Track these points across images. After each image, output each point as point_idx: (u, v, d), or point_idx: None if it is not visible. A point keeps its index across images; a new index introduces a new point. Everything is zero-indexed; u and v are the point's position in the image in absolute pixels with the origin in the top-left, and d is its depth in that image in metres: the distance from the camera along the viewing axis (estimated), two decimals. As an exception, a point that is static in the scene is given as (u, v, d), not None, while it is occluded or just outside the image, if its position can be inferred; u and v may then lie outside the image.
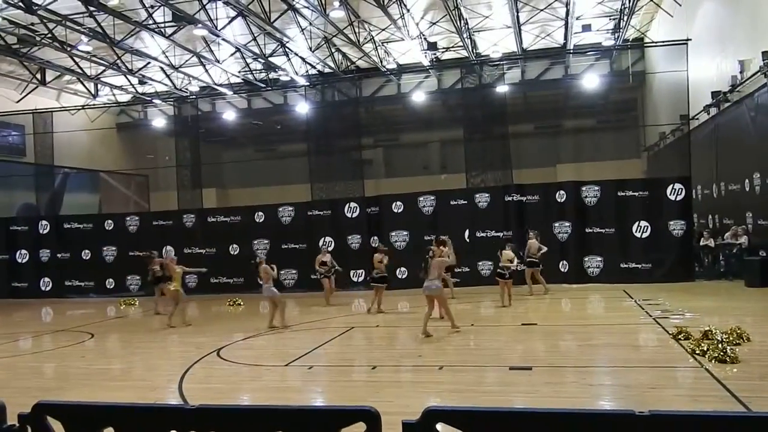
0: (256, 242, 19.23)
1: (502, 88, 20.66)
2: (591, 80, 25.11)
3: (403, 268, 17.17)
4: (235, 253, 19.36)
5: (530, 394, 6.94)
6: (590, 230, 17.19)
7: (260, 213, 19.50)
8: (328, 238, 18.56)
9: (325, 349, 10.18)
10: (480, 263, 17.30)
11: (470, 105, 20.79)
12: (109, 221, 20.78)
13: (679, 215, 16.64)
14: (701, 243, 17.35)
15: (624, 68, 26.52)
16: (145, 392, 7.75)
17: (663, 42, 20.91)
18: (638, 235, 16.80)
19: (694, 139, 18.21)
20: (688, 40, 17.59)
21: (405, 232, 18.30)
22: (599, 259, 17.13)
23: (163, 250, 17.66)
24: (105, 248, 20.38)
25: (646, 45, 24.94)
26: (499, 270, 13.95)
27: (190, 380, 8.19)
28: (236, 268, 18.42)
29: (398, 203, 18.53)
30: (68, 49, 21.73)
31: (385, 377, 8.14)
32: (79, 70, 24.94)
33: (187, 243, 19.75)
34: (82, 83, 27.49)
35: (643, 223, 16.75)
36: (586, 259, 17.20)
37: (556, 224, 17.31)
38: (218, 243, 19.49)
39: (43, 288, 20.70)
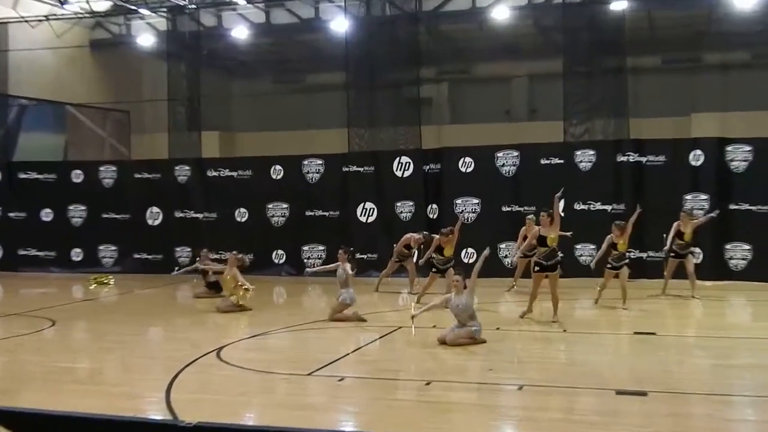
0: (270, 206, 19.44)
1: (618, 4, 20.21)
2: (746, -3, 24.34)
3: (470, 249, 17.09)
4: (243, 219, 19.55)
5: (645, 427, 6.94)
6: (736, 207, 16.87)
7: (278, 167, 19.62)
8: (369, 204, 18.60)
9: (362, 354, 10.29)
10: (579, 246, 17.08)
11: (573, 27, 20.45)
12: (78, 171, 21.22)
13: None
14: None
15: (796, -20, 25.58)
16: (121, 401, 7.93)
17: None
18: (806, 216, 16.48)
19: None
20: None
21: (476, 200, 18.23)
22: (747, 247, 16.84)
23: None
24: (71, 207, 20.85)
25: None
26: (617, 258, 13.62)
27: (180, 389, 8.35)
28: (244, 240, 18.48)
29: (467, 159, 18.42)
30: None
31: (443, 397, 8.17)
32: (43, -32, 25.30)
33: (180, 204, 20.09)
34: (45, -14, 27.90)
35: (815, 200, 16.41)
36: (728, 246, 16.93)
37: (688, 197, 17.00)
38: (221, 205, 19.74)
39: (-11, 258, 21.36)
